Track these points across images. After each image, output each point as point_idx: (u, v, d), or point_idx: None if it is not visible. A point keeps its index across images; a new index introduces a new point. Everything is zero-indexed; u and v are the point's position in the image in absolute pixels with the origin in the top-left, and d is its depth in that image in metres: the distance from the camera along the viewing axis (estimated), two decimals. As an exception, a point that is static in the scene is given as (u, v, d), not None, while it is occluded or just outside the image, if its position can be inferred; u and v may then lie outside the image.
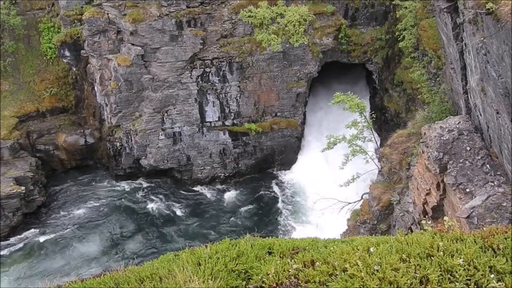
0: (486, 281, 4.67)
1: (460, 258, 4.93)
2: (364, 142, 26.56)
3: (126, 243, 31.16)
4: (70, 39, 33.69)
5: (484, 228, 5.77)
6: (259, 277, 5.10)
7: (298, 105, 34.97)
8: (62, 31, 34.17)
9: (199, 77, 32.56)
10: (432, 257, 5.01)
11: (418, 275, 4.74)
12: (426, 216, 18.17)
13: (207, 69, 32.42)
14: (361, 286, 4.66)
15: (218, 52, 31.85)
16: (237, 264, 5.37)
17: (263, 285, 4.99)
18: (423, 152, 17.74)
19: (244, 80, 33.09)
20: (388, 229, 22.12)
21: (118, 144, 35.05)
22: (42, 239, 31.44)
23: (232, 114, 34.42)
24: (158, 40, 30.73)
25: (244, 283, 5.14)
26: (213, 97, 33.48)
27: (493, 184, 15.24)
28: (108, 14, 31.16)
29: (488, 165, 15.78)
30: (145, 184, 36.13)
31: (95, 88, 34.69)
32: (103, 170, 37.18)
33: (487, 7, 13.26)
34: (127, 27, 30.44)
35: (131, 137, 34.37)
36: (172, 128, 34.11)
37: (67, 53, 34.28)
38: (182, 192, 35.66)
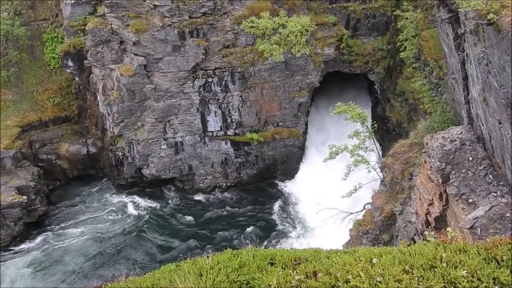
0: (490, 292, 4.64)
1: (464, 269, 4.89)
2: (366, 152, 26.51)
3: (127, 253, 31.05)
4: (74, 49, 33.91)
5: (488, 239, 5.73)
6: (261, 288, 5.07)
7: (300, 114, 35.02)
8: (66, 41, 34.39)
9: (201, 87, 32.68)
10: (435, 269, 4.97)
11: (421, 287, 4.71)
12: (429, 226, 18.08)
13: (209, 79, 32.53)
14: (364, 298, 4.62)
15: (220, 62, 31.99)
16: (239, 275, 5.35)
17: (265, 296, 4.95)
18: (425, 162, 17.70)
19: (246, 90, 33.18)
20: (391, 239, 22.01)
21: (120, 153, 35.09)
22: (43, 249, 31.36)
23: (234, 123, 34.47)
24: (161, 50, 30.90)
25: (246, 294, 5.11)
26: (215, 106, 33.57)
27: (496, 195, 15.17)
28: (111, 24, 31.38)
29: (490, 175, 15.72)
30: (146, 194, 36.11)
31: (98, 97, 34.83)
32: (105, 179, 37.17)
33: (488, 18, 13.32)
34: (130, 38, 30.64)
35: (133, 147, 34.43)
36: (174, 137, 34.16)
37: (70, 63, 34.48)
38: (184, 201, 35.61)
